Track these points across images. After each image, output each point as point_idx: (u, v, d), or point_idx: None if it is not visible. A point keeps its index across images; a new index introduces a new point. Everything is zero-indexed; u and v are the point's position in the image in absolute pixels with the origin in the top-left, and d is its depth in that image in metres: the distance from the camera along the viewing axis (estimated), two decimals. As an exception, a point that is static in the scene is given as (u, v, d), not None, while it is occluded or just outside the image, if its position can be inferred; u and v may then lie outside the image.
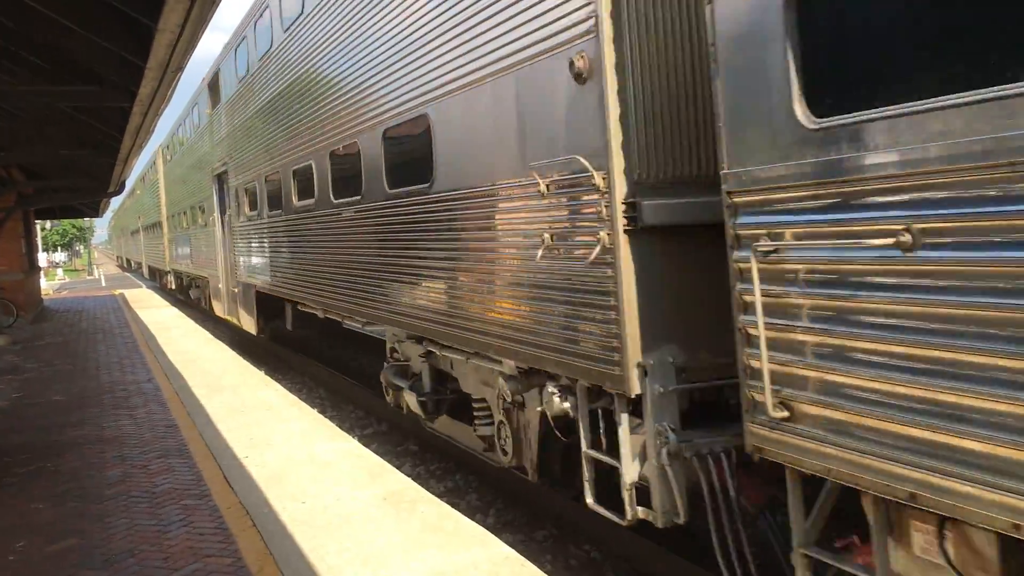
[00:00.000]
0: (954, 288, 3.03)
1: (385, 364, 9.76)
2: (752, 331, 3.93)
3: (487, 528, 6.09)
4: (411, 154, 7.84)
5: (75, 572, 5.50)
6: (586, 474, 5.77)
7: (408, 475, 7.93)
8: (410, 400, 8.85)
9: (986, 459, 2.99)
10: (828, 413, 3.64)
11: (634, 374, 4.97)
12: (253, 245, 15.79)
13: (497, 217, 6.33)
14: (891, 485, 3.38)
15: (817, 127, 3.53)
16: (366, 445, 8.98)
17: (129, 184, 46.03)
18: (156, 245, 37.15)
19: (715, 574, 5.90)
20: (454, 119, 6.81)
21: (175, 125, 29.01)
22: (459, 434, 8.50)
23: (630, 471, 5.26)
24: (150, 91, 8.79)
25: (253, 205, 15.36)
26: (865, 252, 3.35)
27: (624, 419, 5.20)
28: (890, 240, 3.19)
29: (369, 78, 8.46)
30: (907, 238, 3.14)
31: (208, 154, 20.44)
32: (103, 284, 49.55)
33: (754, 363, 3.95)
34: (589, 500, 5.78)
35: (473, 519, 6.37)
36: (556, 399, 5.90)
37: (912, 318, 3.20)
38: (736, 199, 4.02)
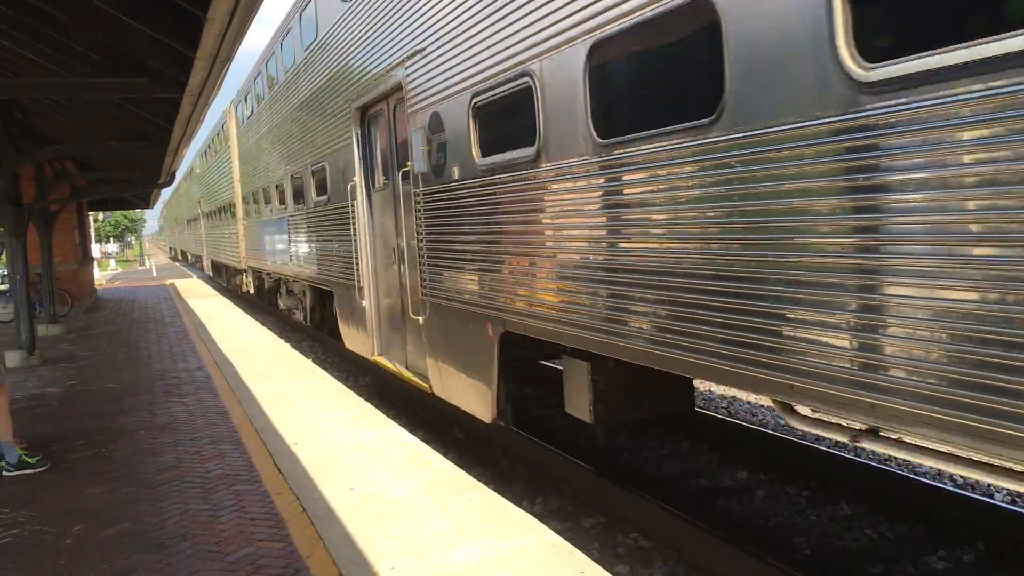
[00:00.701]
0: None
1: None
2: None
3: (535, 516, 6.07)
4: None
5: (129, 555, 5.59)
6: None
7: (454, 463, 7.94)
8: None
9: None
10: None
11: None
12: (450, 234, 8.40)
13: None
14: None
15: None
16: (412, 432, 9.01)
17: (184, 168, 47.06)
18: (225, 234, 29.54)
19: (771, 564, 5.83)
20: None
21: (254, 71, 20.44)
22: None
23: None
24: (199, 81, 8.87)
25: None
26: None
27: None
28: None
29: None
30: None
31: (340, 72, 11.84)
32: (154, 274, 50.44)
33: None
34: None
35: (520, 507, 6.36)
36: None
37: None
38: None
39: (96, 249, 47.42)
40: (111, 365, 13.94)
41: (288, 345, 15.36)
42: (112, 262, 78.66)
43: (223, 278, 34.44)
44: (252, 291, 24.92)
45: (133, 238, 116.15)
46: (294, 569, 5.16)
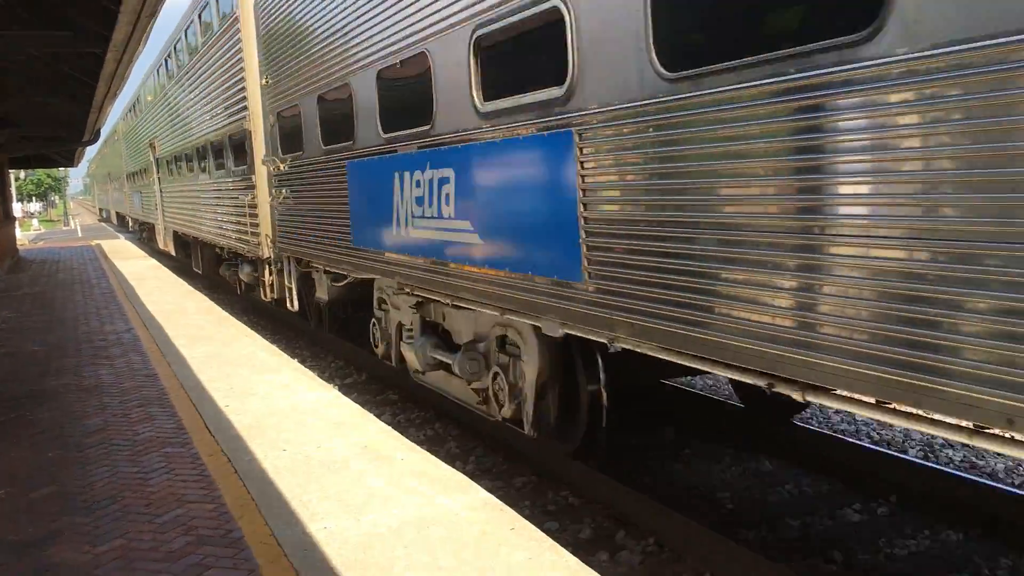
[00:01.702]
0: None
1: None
2: None
3: (467, 475, 6.17)
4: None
5: (57, 518, 5.53)
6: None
7: (388, 424, 8.00)
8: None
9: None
10: None
11: None
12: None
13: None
14: None
15: None
16: (346, 394, 9.02)
17: (114, 120, 45.21)
18: (219, 194, 17.44)
19: (696, 516, 6.04)
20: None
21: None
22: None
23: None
24: (124, 36, 8.65)
25: None
26: None
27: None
28: None
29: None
30: None
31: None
32: (79, 235, 49.05)
33: None
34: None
35: (453, 466, 6.45)
36: None
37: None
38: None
39: (18, 208, 45.73)
40: (36, 327, 13.61)
41: (220, 308, 15.16)
42: (35, 222, 76.23)
43: (200, 263, 21.98)
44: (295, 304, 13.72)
45: (57, 197, 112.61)
46: (225, 530, 5.17)
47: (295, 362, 10.23)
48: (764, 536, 6.33)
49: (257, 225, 13.94)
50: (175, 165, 22.81)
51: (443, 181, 7.30)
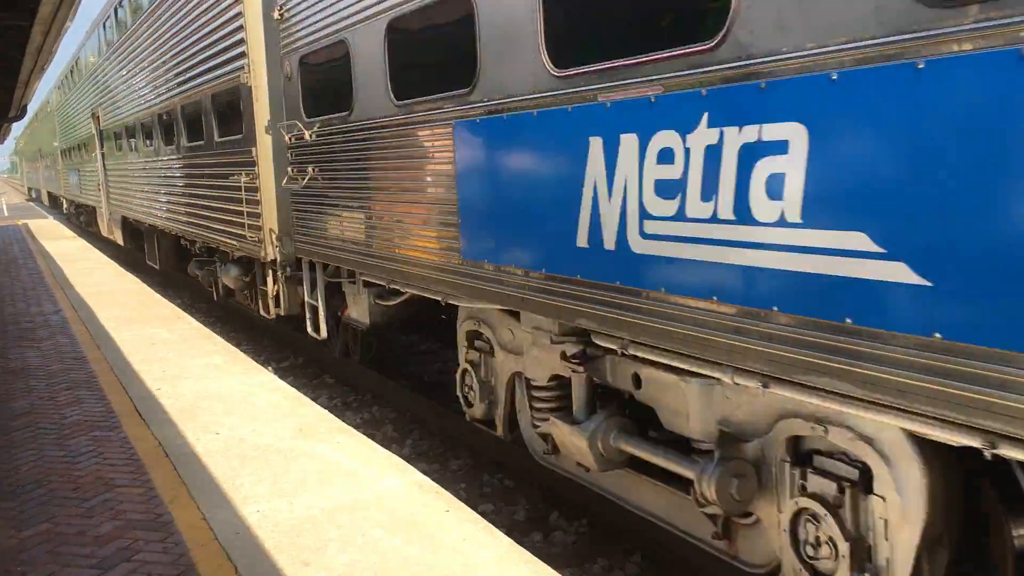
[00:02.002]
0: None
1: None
2: None
3: (403, 458, 6.17)
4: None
5: (-20, 503, 5.40)
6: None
7: (324, 407, 7.96)
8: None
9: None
10: None
11: None
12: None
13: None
14: None
15: None
16: (282, 378, 8.94)
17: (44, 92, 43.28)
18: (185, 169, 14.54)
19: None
20: None
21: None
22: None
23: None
24: (51, 10, 8.38)
25: None
26: None
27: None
28: None
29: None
30: None
31: None
32: (5, 214, 47.52)
33: None
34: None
35: (389, 449, 6.44)
36: None
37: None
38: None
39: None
40: (-42, 309, 13.18)
41: (153, 290, 14.86)
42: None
43: (156, 257, 18.28)
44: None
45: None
46: (155, 514, 5.11)
47: (230, 345, 10.08)
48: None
49: (257, 216, 10.27)
50: (126, 138, 18.72)
51: (767, 150, 3.70)
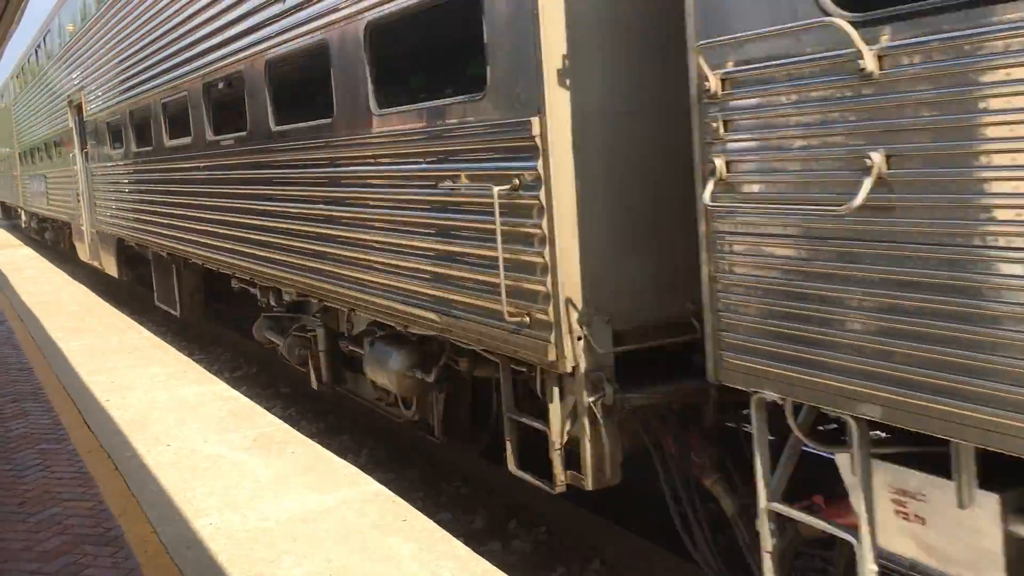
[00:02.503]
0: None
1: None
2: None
3: (359, 468, 6.11)
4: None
5: (-80, 520, 5.24)
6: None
7: (279, 417, 7.85)
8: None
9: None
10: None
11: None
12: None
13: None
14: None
15: None
16: (235, 387, 8.81)
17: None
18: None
19: (585, 503, 6.10)
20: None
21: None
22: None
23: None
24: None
25: None
26: None
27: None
28: None
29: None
30: None
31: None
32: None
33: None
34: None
35: (345, 459, 6.37)
36: None
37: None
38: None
39: None
40: (-103, 320, 12.81)
41: (101, 299, 14.57)
42: None
43: (174, 296, 12.98)
44: None
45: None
46: (104, 528, 4.99)
47: (182, 355, 9.92)
48: (648, 521, 6.47)
49: (542, 269, 4.49)
50: (131, 128, 13.47)
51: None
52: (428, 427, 6.72)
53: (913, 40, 2.78)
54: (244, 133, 8.55)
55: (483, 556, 4.58)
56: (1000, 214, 2.62)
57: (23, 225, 33.82)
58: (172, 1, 10.68)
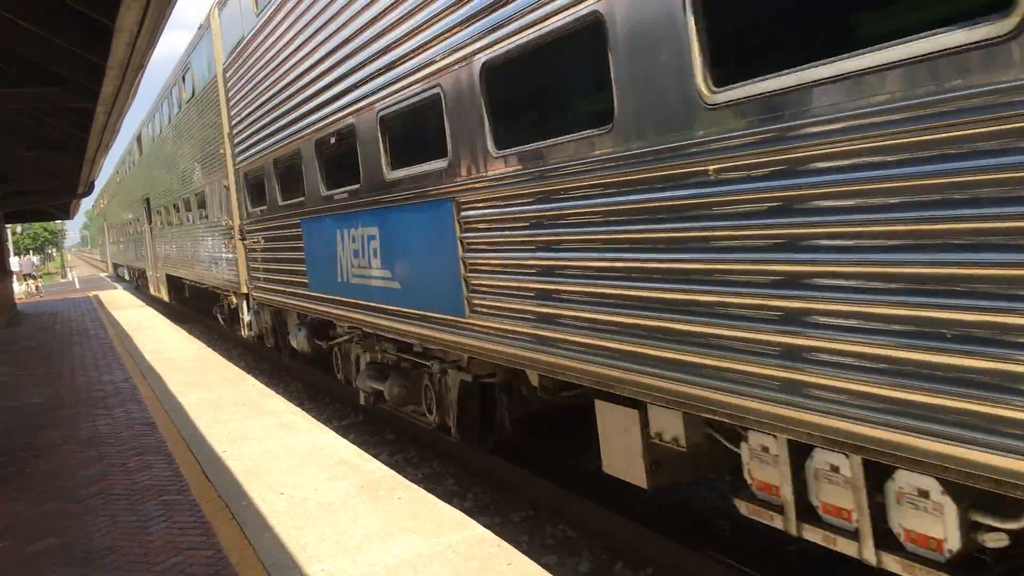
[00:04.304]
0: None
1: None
2: None
3: (464, 512, 6.18)
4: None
5: (55, 570, 5.54)
6: None
7: (386, 463, 8.00)
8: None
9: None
10: None
11: None
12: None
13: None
14: None
15: None
16: (343, 436, 9.03)
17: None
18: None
19: (694, 549, 6.03)
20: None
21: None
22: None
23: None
24: (112, 90, 8.77)
25: None
26: None
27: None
28: None
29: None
30: None
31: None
32: (77, 286, 49.15)
33: None
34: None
35: (451, 504, 6.46)
36: None
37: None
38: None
39: (15, 262, 45.50)
40: (33, 380, 13.62)
41: (217, 354, 15.19)
42: (15, 282, 76.17)
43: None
44: None
45: (54, 250, 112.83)
46: (224, 575, 5.18)
47: (292, 405, 10.24)
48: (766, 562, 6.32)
49: None
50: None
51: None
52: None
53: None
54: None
55: (588, 598, 4.57)
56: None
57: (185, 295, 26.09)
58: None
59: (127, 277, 43.12)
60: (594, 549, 6.85)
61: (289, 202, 11.03)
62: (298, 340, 12.30)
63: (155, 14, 6.38)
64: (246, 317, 15.69)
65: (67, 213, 40.40)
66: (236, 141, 13.51)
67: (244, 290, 14.95)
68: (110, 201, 45.64)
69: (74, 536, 6.13)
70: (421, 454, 9.93)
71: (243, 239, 13.81)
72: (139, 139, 28.43)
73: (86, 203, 58.36)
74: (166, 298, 25.22)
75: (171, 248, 23.70)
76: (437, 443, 9.74)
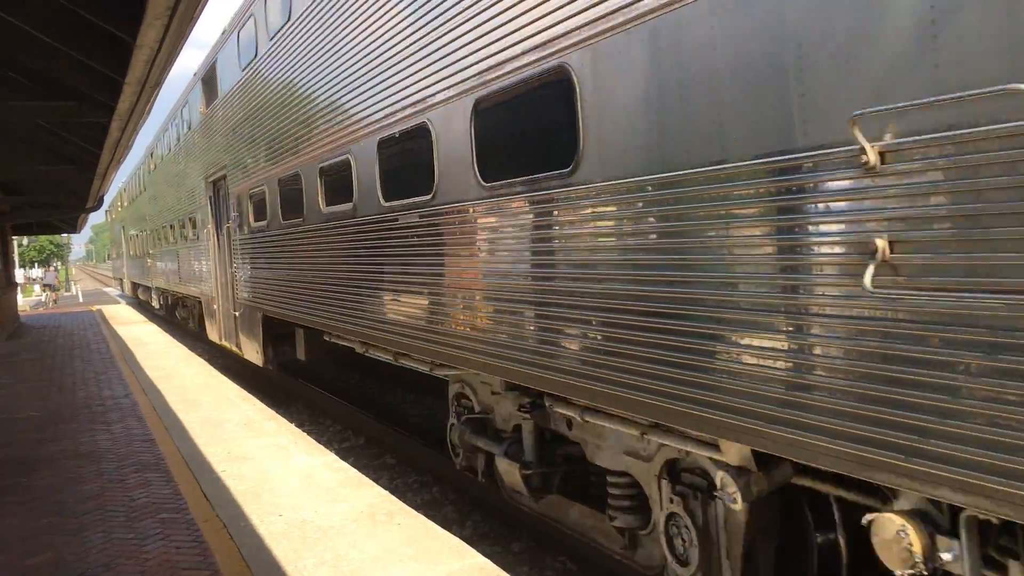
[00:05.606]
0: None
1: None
2: None
3: (464, 540, 6.13)
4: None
5: (51, 586, 5.49)
6: None
7: (386, 488, 7.96)
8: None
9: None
10: None
11: None
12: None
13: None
14: None
15: None
16: (343, 458, 8.99)
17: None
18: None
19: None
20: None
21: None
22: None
23: None
24: (128, 106, 8.83)
25: None
26: None
27: None
28: None
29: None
30: None
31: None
32: (80, 300, 49.22)
33: None
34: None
35: (450, 531, 6.41)
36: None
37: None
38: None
39: (20, 274, 45.67)
40: (34, 393, 13.58)
41: (218, 372, 15.17)
42: (37, 287, 76.58)
43: None
44: None
45: (59, 263, 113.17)
46: (220, 596, 5.13)
47: (292, 426, 10.21)
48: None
49: None
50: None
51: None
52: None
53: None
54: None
55: (589, 633, 4.52)
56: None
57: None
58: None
59: (156, 304, 31.83)
60: (593, 583, 6.79)
61: None
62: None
63: (176, 33, 6.44)
64: None
65: (74, 227, 40.57)
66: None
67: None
68: (136, 199, 33.92)
69: (70, 552, 6.08)
70: (421, 480, 9.88)
71: None
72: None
73: (93, 218, 58.70)
74: (260, 361, 14.58)
75: (284, 265, 12.25)
76: (436, 469, 9.69)
